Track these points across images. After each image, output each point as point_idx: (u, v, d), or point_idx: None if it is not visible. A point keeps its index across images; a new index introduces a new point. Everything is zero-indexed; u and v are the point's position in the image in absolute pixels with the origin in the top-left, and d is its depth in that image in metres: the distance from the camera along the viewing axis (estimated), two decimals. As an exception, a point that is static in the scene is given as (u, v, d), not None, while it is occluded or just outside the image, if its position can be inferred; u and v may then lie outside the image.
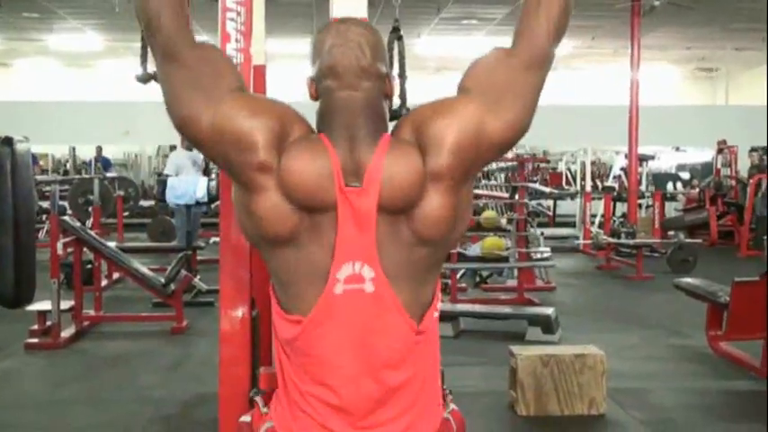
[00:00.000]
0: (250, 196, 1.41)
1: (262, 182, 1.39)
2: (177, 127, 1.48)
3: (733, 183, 13.17)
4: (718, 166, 13.61)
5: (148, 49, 2.90)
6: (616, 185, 14.28)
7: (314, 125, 1.50)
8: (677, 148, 19.96)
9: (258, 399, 1.56)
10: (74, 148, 17.38)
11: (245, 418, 1.56)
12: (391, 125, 1.53)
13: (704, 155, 17.26)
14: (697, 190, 13.71)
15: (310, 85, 1.52)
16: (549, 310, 6.16)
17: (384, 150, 1.42)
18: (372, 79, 1.48)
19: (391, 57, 2.67)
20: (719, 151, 13.67)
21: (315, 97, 1.52)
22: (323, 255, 1.40)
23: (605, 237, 10.26)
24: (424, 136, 1.43)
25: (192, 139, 1.48)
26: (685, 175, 16.03)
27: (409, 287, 1.43)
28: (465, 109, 1.46)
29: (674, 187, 15.01)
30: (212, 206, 9.59)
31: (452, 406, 1.57)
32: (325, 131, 1.46)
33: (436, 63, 20.27)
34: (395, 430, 1.43)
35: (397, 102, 3.00)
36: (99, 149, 17.43)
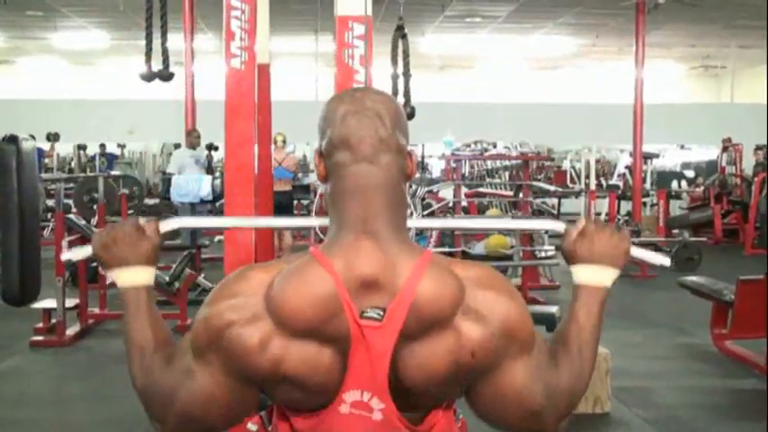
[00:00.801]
0: (277, 370, 1.24)
1: (277, 352, 1.23)
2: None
3: (738, 181, 13.14)
4: (723, 164, 13.58)
5: (153, 48, 2.90)
6: (621, 184, 14.26)
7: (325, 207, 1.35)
8: (682, 146, 19.95)
9: (263, 414, 1.45)
10: (78, 147, 17.42)
11: (252, 427, 1.46)
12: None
13: (709, 153, 17.24)
14: (702, 188, 13.68)
15: (318, 162, 1.33)
16: (554, 309, 6.12)
17: (422, 269, 1.23)
18: (392, 153, 1.30)
19: (395, 55, 2.67)
20: (724, 149, 13.64)
21: (323, 176, 1.33)
22: (332, 379, 1.25)
23: (610, 235, 10.21)
24: (471, 297, 1.25)
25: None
26: (690, 174, 16.02)
27: (424, 413, 1.32)
28: (517, 322, 1.28)
29: (679, 185, 14.97)
30: (217, 204, 9.60)
31: (462, 416, 1.47)
32: (335, 224, 1.29)
33: (440, 61, 20.29)
34: None
35: (401, 100, 3.00)
36: (103, 147, 17.46)
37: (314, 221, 1.50)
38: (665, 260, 1.60)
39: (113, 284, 4.93)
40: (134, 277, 1.42)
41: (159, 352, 1.37)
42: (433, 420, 1.32)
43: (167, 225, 1.54)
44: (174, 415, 1.32)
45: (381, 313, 1.21)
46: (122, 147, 19.35)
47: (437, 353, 1.23)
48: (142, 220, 1.46)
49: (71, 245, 6.19)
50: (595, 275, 1.41)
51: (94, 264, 6.95)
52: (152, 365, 1.36)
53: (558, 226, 1.51)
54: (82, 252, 1.53)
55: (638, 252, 1.52)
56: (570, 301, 1.42)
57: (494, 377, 1.29)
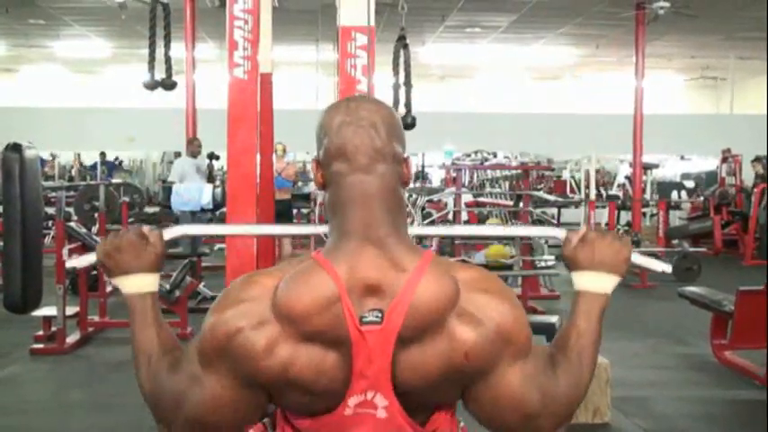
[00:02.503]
0: (285, 374, 1.26)
1: (284, 356, 1.25)
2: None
3: (737, 191, 13.15)
4: (723, 174, 13.59)
5: (155, 57, 2.93)
6: (620, 194, 14.28)
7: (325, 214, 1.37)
8: (682, 157, 19.96)
9: (266, 420, 1.45)
10: (79, 155, 17.45)
11: None
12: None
13: (709, 163, 17.26)
14: (701, 198, 13.69)
15: (316, 171, 1.36)
16: (554, 319, 6.13)
17: (422, 271, 1.25)
18: (388, 162, 1.32)
19: (397, 64, 2.69)
20: (724, 160, 13.66)
21: (321, 184, 1.36)
22: (337, 382, 1.26)
23: (609, 245, 10.23)
24: (467, 299, 1.27)
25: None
26: (690, 184, 16.03)
27: (426, 409, 1.33)
28: (513, 326, 1.29)
29: (679, 196, 14.99)
30: (217, 213, 9.61)
31: (462, 424, 1.47)
32: (336, 231, 1.31)
33: (441, 71, 20.34)
34: None
35: (402, 110, 3.03)
36: (103, 155, 17.52)
37: (316, 229, 1.51)
38: (666, 267, 1.61)
39: (113, 293, 4.95)
40: (139, 284, 1.44)
41: (166, 357, 1.38)
42: (436, 422, 1.33)
43: (170, 233, 1.55)
44: (183, 419, 1.34)
45: (380, 315, 1.23)
46: (118, 162, 19.40)
47: (431, 354, 1.25)
48: (146, 229, 1.47)
49: (72, 253, 6.20)
50: (596, 282, 1.42)
51: (95, 272, 6.96)
52: (159, 371, 1.37)
53: (559, 233, 1.52)
54: (86, 259, 1.55)
55: (639, 259, 1.53)
56: (570, 308, 1.43)
57: (489, 381, 1.30)
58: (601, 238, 1.43)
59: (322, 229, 1.44)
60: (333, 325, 1.23)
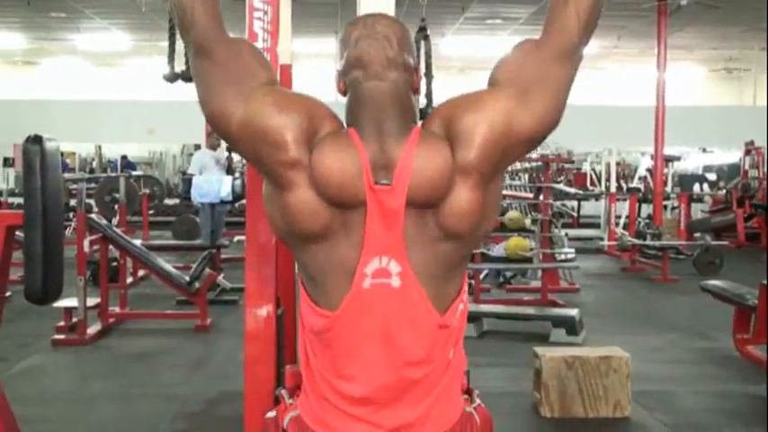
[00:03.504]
0: (281, 192, 1.42)
1: (293, 178, 1.40)
2: (208, 121, 1.49)
3: (760, 184, 13.02)
4: (746, 167, 13.46)
5: (175, 49, 2.92)
6: (641, 186, 14.17)
7: (343, 120, 1.49)
8: (704, 150, 19.78)
9: (284, 392, 1.57)
10: (99, 147, 17.54)
11: (271, 414, 1.57)
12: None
13: (731, 156, 17.08)
14: (724, 191, 13.56)
15: (338, 79, 1.52)
16: (574, 312, 6.12)
17: (414, 144, 1.41)
18: (399, 70, 1.47)
19: (418, 56, 2.66)
20: (747, 152, 13.52)
21: (343, 91, 1.51)
22: (351, 250, 1.41)
23: (630, 238, 10.18)
24: (453, 129, 1.42)
25: (223, 135, 1.49)
26: (712, 177, 15.89)
27: (435, 282, 1.44)
28: (495, 102, 1.44)
29: (701, 189, 14.86)
30: (237, 205, 9.63)
31: (478, 401, 1.58)
32: (354, 125, 1.45)
33: (461, 63, 20.24)
34: (412, 417, 1.45)
35: (423, 101, 3.00)
36: (124, 158, 17.67)
37: None
38: None
39: (134, 284, 4.95)
40: None
41: None
42: (455, 311, 1.47)
43: None
44: (192, 40, 1.52)
45: (391, 178, 1.39)
46: (131, 167, 19.50)
47: (460, 197, 1.40)
48: None
49: (92, 244, 6.24)
50: None
51: (115, 263, 7.00)
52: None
53: None
54: None
55: None
56: None
57: (520, 128, 1.45)
58: None
59: None
60: (352, 184, 1.38)
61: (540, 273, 7.80)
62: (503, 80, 1.48)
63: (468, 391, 1.58)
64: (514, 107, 1.43)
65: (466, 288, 1.53)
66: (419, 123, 1.48)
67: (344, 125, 1.48)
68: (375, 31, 1.47)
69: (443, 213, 1.40)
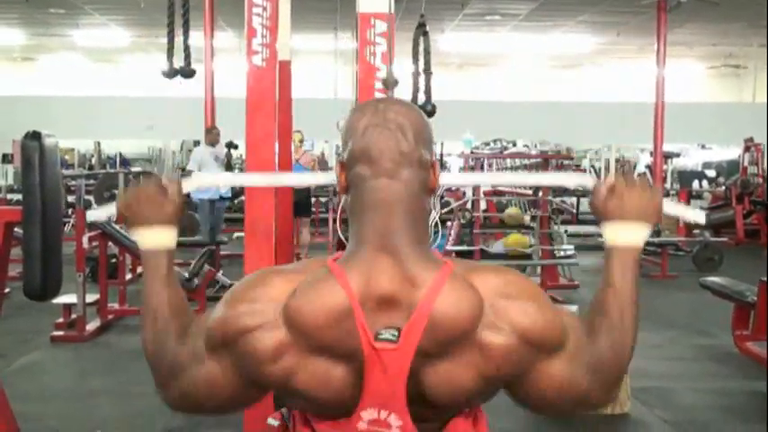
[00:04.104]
0: (288, 382, 1.23)
1: (289, 364, 1.22)
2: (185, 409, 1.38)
3: (760, 181, 13.02)
4: (745, 164, 13.46)
5: (174, 45, 2.92)
6: (640, 183, 14.14)
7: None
8: (703, 146, 19.78)
9: (284, 411, 1.44)
10: (98, 143, 17.52)
11: (273, 422, 1.45)
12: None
13: (730, 152, 17.08)
14: (723, 188, 13.56)
15: (339, 173, 1.31)
16: (573, 308, 6.11)
17: (441, 284, 1.20)
18: (414, 167, 1.27)
19: (417, 52, 2.66)
20: (746, 149, 13.52)
21: (344, 187, 1.31)
22: (345, 397, 1.23)
23: (629, 235, 10.16)
24: (494, 313, 1.22)
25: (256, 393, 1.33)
26: (711, 173, 15.89)
27: (442, 420, 1.29)
28: (543, 328, 1.24)
29: (700, 185, 14.86)
30: (236, 201, 9.63)
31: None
32: (354, 238, 1.28)
33: (460, 59, 20.26)
34: None
35: (422, 98, 3.00)
36: (120, 155, 17.76)
37: (332, 177, 1.46)
38: (699, 216, 1.56)
39: (133, 280, 4.95)
40: (156, 239, 1.43)
41: (173, 321, 1.36)
42: (454, 429, 1.29)
43: (189, 184, 1.55)
44: (177, 389, 1.34)
45: (396, 334, 1.18)
46: (125, 163, 19.53)
47: (460, 369, 1.20)
48: (165, 180, 1.46)
49: (91, 241, 6.24)
50: (628, 234, 1.38)
51: (114, 260, 7.00)
52: (164, 335, 1.35)
53: (588, 181, 1.49)
54: (106, 211, 1.57)
55: (670, 207, 1.49)
56: (603, 266, 1.38)
57: (529, 381, 1.26)
58: (630, 187, 1.39)
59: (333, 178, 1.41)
60: (344, 339, 1.19)
61: (539, 269, 7.80)
62: (571, 332, 1.29)
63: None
64: (557, 356, 1.26)
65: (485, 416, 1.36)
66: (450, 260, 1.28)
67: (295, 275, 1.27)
68: (387, 119, 1.28)
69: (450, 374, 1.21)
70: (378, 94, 2.53)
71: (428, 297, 1.19)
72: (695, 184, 14.72)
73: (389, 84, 2.48)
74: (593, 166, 17.03)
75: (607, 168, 13.42)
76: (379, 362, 1.19)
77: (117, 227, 6.41)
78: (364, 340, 1.18)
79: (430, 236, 1.34)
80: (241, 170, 8.45)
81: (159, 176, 1.47)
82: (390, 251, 1.23)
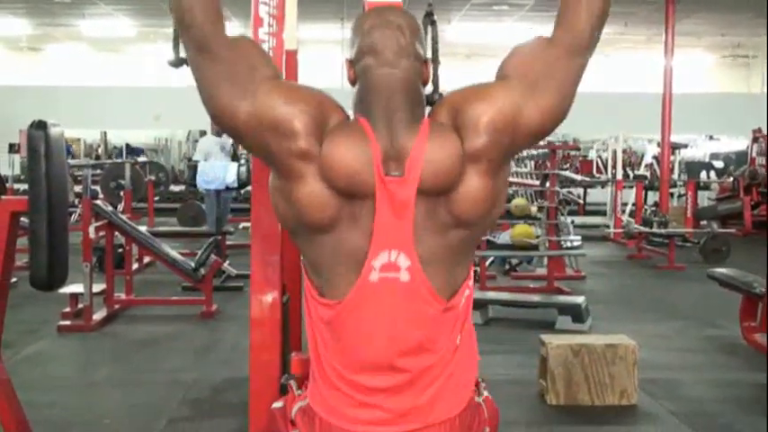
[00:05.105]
0: (290, 184, 1.42)
1: (302, 169, 1.39)
2: (213, 118, 1.48)
3: (768, 172, 12.97)
4: (754, 155, 13.40)
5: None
6: (648, 174, 14.12)
7: (350, 110, 1.49)
8: (711, 137, 19.70)
9: (292, 382, 1.58)
10: (105, 133, 17.52)
11: (278, 405, 1.58)
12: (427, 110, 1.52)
13: (739, 143, 17.01)
14: (731, 179, 13.51)
15: (348, 68, 1.52)
16: (580, 299, 6.11)
17: (425, 135, 1.41)
18: (411, 59, 1.48)
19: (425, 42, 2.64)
20: (755, 140, 13.46)
21: (352, 80, 1.51)
22: (360, 242, 1.41)
23: (636, 226, 10.15)
24: (461, 119, 1.43)
25: (229, 129, 1.48)
26: (719, 164, 15.83)
27: (443, 271, 1.45)
28: (503, 94, 1.45)
29: (708, 176, 14.81)
30: (242, 191, 9.62)
31: (486, 393, 1.57)
32: (363, 114, 1.45)
33: (467, 49, 20.17)
34: (422, 401, 1.46)
35: (429, 88, 2.98)
36: (127, 145, 17.82)
37: None
38: None
39: (139, 271, 4.94)
40: None
41: None
42: (461, 296, 1.48)
43: None
44: (188, 37, 1.47)
45: (402, 171, 1.40)
46: (136, 152, 19.54)
47: (470, 184, 1.41)
48: None
49: (98, 231, 6.24)
50: None
51: (121, 250, 7.00)
52: None
53: None
54: None
55: None
56: None
57: (522, 135, 1.47)
58: None
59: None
60: (361, 173, 1.38)
61: (545, 260, 7.79)
62: (512, 73, 1.49)
63: (476, 384, 1.57)
64: (522, 100, 1.45)
65: (472, 274, 1.54)
66: (427, 113, 1.48)
67: (351, 116, 1.48)
68: (388, 20, 1.49)
69: (455, 201, 1.41)
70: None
71: (418, 142, 1.41)
72: (703, 175, 14.65)
73: None
74: (599, 157, 16.96)
75: (614, 159, 13.37)
76: (387, 193, 1.39)
77: (123, 217, 6.42)
78: (377, 175, 1.39)
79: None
80: (247, 160, 8.44)
81: None
82: (393, 122, 1.43)
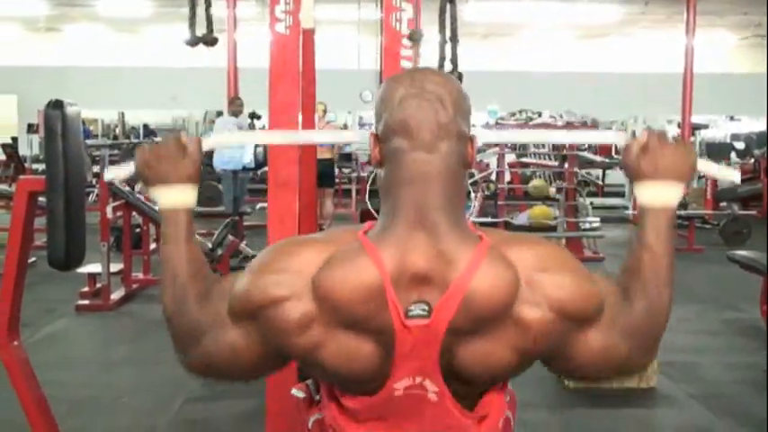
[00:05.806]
0: (313, 355, 1.21)
1: (316, 337, 1.19)
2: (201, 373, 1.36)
3: (789, 153, 12.82)
4: (775, 135, 13.24)
5: (196, 13, 2.88)
6: (667, 155, 13.96)
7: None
8: (732, 118, 19.47)
9: (309, 382, 1.43)
10: (122, 114, 17.54)
11: (298, 393, 1.43)
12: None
13: (760, 124, 16.80)
14: (752, 160, 13.35)
15: (374, 146, 1.26)
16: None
17: (478, 263, 1.16)
18: (452, 140, 1.22)
19: (443, 20, 2.60)
20: (776, 121, 13.29)
21: (379, 161, 1.26)
22: (373, 371, 1.20)
23: (655, 207, 10.06)
24: (532, 280, 1.19)
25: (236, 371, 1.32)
26: (740, 145, 15.65)
27: (480, 389, 1.27)
28: (594, 287, 1.24)
29: (728, 157, 14.64)
30: (259, 172, 9.62)
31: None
32: (388, 213, 1.22)
33: (484, 29, 19.99)
34: None
35: (448, 66, 2.94)
36: (146, 127, 17.87)
37: (355, 135, 1.43)
38: (734, 174, 1.51)
39: (157, 250, 4.94)
40: (175, 197, 1.40)
41: (194, 283, 1.33)
42: (488, 405, 1.27)
43: (209, 143, 1.53)
44: (197, 355, 1.31)
45: (427, 309, 1.16)
46: (153, 133, 19.59)
47: (496, 345, 1.18)
48: (184, 137, 1.43)
49: (115, 211, 6.26)
50: (662, 193, 1.34)
51: (138, 230, 7.03)
52: (185, 296, 1.32)
53: (619, 139, 1.44)
54: (124, 170, 1.53)
55: (704, 165, 1.43)
56: (638, 226, 1.34)
57: (567, 353, 1.24)
58: (663, 144, 1.34)
59: (359, 137, 1.37)
60: (375, 315, 1.16)
61: (564, 241, 7.75)
62: (608, 295, 1.27)
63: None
64: (594, 326, 1.24)
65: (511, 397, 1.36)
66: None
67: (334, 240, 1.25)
68: (425, 89, 1.22)
69: (466, 348, 1.19)
70: (404, 63, 2.48)
71: (465, 275, 1.15)
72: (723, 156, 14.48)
73: (416, 37, 2.44)
74: (618, 138, 16.87)
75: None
76: (410, 338, 1.16)
77: (141, 197, 6.43)
78: (395, 317, 1.15)
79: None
80: (264, 141, 8.41)
81: (179, 133, 1.44)
82: (427, 227, 1.18)
